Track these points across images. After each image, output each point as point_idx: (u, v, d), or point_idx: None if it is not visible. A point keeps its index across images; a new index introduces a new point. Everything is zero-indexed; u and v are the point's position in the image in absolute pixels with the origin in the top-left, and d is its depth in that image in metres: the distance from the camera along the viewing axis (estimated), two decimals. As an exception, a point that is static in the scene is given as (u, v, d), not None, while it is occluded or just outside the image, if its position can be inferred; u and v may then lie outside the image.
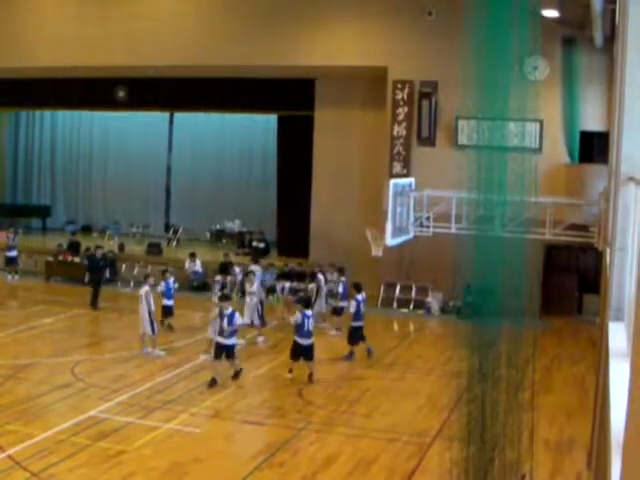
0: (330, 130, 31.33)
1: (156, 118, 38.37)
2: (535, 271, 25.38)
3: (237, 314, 18.62)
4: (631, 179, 9.83)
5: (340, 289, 24.72)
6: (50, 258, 31.63)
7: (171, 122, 39.06)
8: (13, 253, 31.03)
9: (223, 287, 28.52)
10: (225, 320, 18.29)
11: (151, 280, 21.64)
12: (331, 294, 26.26)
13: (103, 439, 14.57)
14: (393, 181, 22.76)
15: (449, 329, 24.21)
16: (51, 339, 22.31)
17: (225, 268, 28.75)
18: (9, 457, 13.46)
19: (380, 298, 28.75)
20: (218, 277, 28.40)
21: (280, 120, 34.41)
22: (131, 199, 39.77)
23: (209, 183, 38.58)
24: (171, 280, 23.26)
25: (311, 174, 31.82)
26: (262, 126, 37.25)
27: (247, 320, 21.64)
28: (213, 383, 18.14)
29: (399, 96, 28.71)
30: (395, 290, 28.77)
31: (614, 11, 20.02)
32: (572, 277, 28.35)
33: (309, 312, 19.33)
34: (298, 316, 19.06)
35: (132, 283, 29.79)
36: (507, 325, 8.65)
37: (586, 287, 27.54)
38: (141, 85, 33.83)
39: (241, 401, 17.53)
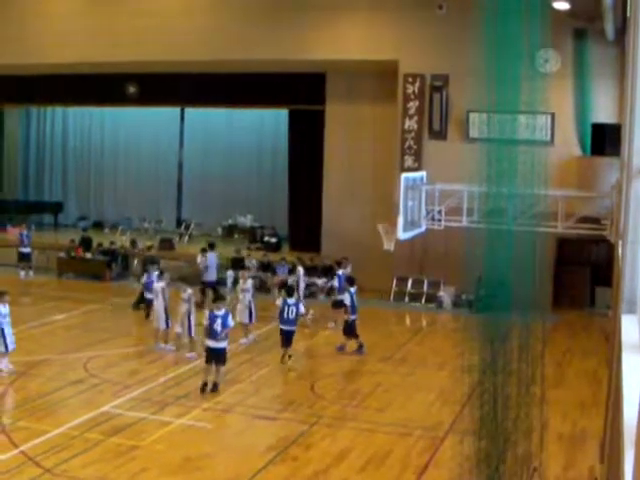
0: (341, 124, 31.29)
1: (167, 114, 38.42)
2: (547, 264, 25.31)
3: (230, 315, 17.75)
4: (643, 171, 9.78)
5: (336, 283, 24.75)
6: (62, 254, 31.70)
7: (182, 117, 39.09)
8: (27, 249, 31.10)
9: (235, 282, 28.68)
10: (218, 321, 17.28)
11: (167, 276, 21.74)
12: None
13: (116, 434, 14.60)
14: (404, 175, 22.76)
15: (461, 323, 24.13)
16: (64, 335, 22.38)
17: (237, 263, 28.82)
18: (22, 453, 13.50)
19: (392, 292, 28.73)
20: (230, 272, 28.52)
21: (291, 115, 34.40)
22: (143, 195, 39.86)
23: (220, 178, 38.59)
24: (154, 274, 23.21)
25: (322, 168, 31.80)
26: (273, 121, 37.26)
27: (237, 319, 20.92)
28: (213, 388, 17.35)
29: (410, 90, 28.66)
30: (407, 284, 28.73)
31: (625, 3, 19.94)
32: (584, 270, 28.25)
33: (290, 300, 19.92)
34: (280, 302, 19.99)
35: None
36: (519, 318, 8.62)
37: (598, 280, 27.44)
38: (152, 81, 33.82)
39: (253, 396, 17.54)
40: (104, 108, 38.90)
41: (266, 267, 29.25)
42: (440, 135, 28.54)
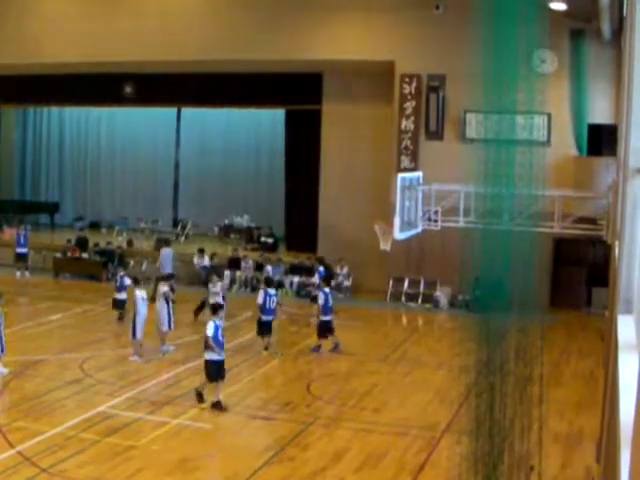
0: (338, 124, 31.27)
1: (164, 114, 38.40)
2: (544, 264, 25.31)
3: (211, 324, 16.30)
4: (640, 172, 9.79)
5: (316, 279, 24.78)
6: (59, 254, 31.69)
7: (178, 117, 39.04)
8: (23, 250, 31.06)
9: (232, 282, 28.73)
10: (214, 332, 16.20)
11: (173, 281, 21.72)
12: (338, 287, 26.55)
13: (112, 435, 14.59)
14: (401, 175, 22.80)
15: (458, 323, 24.18)
16: (60, 335, 22.37)
17: (234, 263, 28.87)
18: (19, 453, 13.49)
19: (389, 292, 28.75)
20: (227, 272, 28.56)
21: (287, 115, 34.39)
22: (139, 195, 39.85)
23: (217, 178, 38.59)
24: (125, 277, 23.07)
25: (319, 169, 31.79)
26: (269, 121, 37.26)
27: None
28: (215, 403, 16.34)
29: (407, 90, 28.67)
30: (403, 284, 28.75)
31: (622, 3, 19.95)
32: (581, 270, 28.27)
33: (271, 291, 20.89)
34: (261, 294, 20.72)
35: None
36: (516, 319, 8.63)
37: (595, 280, 27.46)
38: (148, 81, 33.80)
39: (250, 396, 17.54)
40: (101, 108, 38.84)
41: (262, 267, 29.29)
42: (437, 135, 28.56)
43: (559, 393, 17.91)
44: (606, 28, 24.01)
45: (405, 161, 28.67)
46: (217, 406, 16.16)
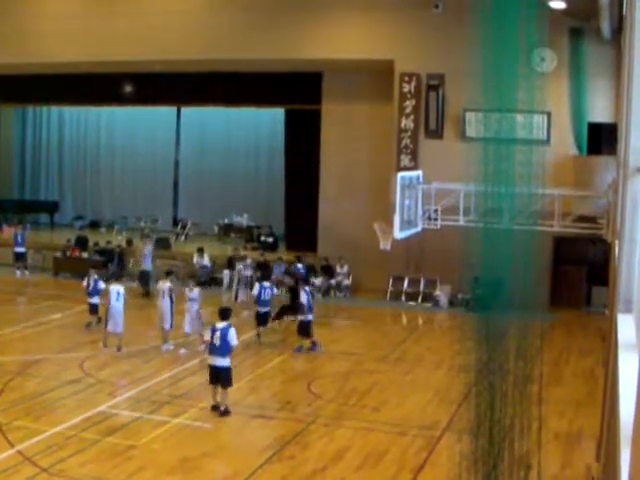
0: (337, 123, 31.29)
1: (163, 113, 38.43)
2: (544, 263, 25.31)
3: (233, 330, 16.00)
4: (640, 170, 9.78)
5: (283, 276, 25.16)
6: (58, 254, 31.69)
7: (178, 117, 39.11)
8: (22, 249, 31.06)
9: (231, 281, 28.71)
10: (217, 335, 15.86)
11: (173, 277, 21.68)
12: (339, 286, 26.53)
13: (112, 434, 14.58)
14: (401, 174, 22.78)
15: (457, 322, 24.18)
16: (60, 335, 22.34)
17: (233, 262, 28.87)
18: (19, 453, 13.47)
19: (389, 291, 28.76)
20: (226, 271, 28.58)
21: (287, 114, 34.39)
22: (139, 194, 39.88)
23: (217, 177, 38.63)
24: (99, 281, 22.50)
25: (319, 168, 31.81)
26: (269, 120, 37.30)
27: (188, 329, 20.53)
28: (224, 412, 15.93)
29: (406, 89, 28.67)
30: (403, 283, 28.77)
31: (621, 1, 19.94)
32: (581, 269, 28.28)
33: (266, 284, 21.97)
34: (257, 287, 21.90)
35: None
36: (516, 318, 8.62)
37: (595, 279, 27.46)
38: (148, 80, 33.80)
39: (250, 395, 17.54)
40: (100, 107, 38.87)
41: (262, 266, 29.25)
42: (436, 134, 28.57)
43: (559, 392, 17.92)
44: (606, 27, 23.99)
45: (405, 160, 28.67)
46: (216, 409, 16.08)
